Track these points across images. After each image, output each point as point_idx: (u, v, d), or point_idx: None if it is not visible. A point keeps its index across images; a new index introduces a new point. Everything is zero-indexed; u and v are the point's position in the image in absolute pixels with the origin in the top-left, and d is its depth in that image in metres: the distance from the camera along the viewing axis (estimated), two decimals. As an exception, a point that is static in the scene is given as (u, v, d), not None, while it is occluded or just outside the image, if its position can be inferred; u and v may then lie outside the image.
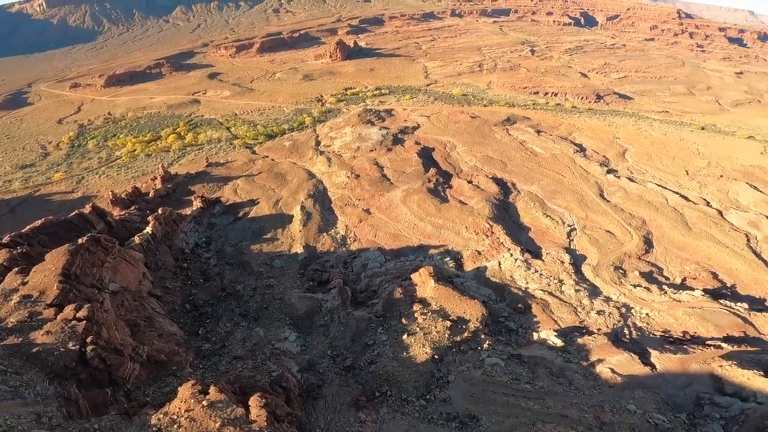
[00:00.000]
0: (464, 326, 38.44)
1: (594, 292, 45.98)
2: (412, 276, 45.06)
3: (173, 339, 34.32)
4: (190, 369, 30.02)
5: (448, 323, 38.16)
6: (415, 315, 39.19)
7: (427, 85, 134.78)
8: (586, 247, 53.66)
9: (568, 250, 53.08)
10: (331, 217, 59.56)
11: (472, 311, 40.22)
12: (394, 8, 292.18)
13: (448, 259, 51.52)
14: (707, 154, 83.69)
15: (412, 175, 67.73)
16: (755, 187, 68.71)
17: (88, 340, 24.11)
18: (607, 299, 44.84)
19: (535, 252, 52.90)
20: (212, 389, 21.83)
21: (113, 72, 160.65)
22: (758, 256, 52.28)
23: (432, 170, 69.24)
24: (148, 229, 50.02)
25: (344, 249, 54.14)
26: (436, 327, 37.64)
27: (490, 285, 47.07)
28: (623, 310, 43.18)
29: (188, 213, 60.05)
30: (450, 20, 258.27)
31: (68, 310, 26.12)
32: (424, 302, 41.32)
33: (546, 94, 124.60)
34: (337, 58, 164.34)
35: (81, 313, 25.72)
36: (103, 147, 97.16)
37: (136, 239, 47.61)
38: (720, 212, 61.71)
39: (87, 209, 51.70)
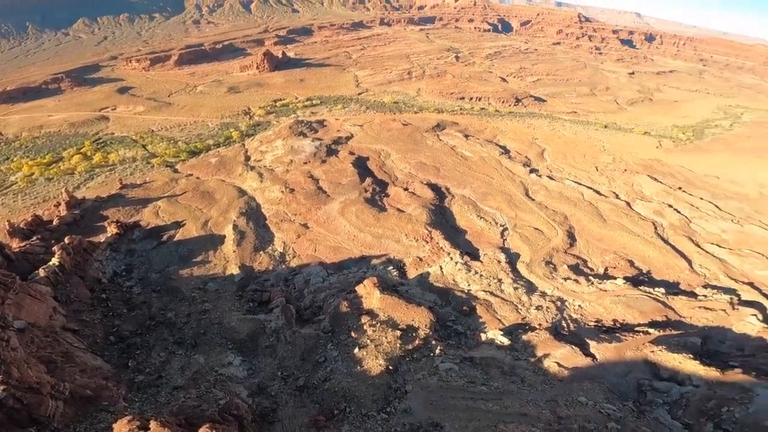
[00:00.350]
0: (414, 334, 38.32)
1: (530, 288, 48.13)
2: (356, 288, 44.27)
3: (99, 373, 30.82)
4: (125, 403, 26.95)
5: (398, 333, 37.79)
6: (364, 327, 38.35)
7: (359, 94, 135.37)
8: (519, 245, 56.20)
9: (503, 250, 55.22)
10: (266, 235, 56.83)
11: (420, 318, 40.26)
12: (323, 18, 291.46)
13: (391, 267, 51.30)
14: (611, 150, 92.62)
15: (349, 185, 66.99)
16: (655, 179, 77.08)
17: (-2, 380, 21.34)
18: (543, 294, 47.10)
19: (473, 254, 54.31)
20: (153, 424, 19.74)
21: (3, 88, 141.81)
22: (666, 242, 58.24)
23: (368, 180, 69.07)
24: (54, 261, 44.49)
25: (284, 266, 51.85)
26: (386, 338, 37.09)
27: (434, 290, 47.57)
28: (558, 303, 45.55)
29: (102, 240, 54.22)
30: (379, 29, 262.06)
31: (-30, 352, 22.62)
32: (371, 314, 40.67)
33: (471, 99, 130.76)
34: (265, 69, 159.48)
35: (-16, 354, 22.47)
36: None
37: (41, 272, 42.13)
38: (628, 203, 68.12)
39: (-24, 244, 44.81)
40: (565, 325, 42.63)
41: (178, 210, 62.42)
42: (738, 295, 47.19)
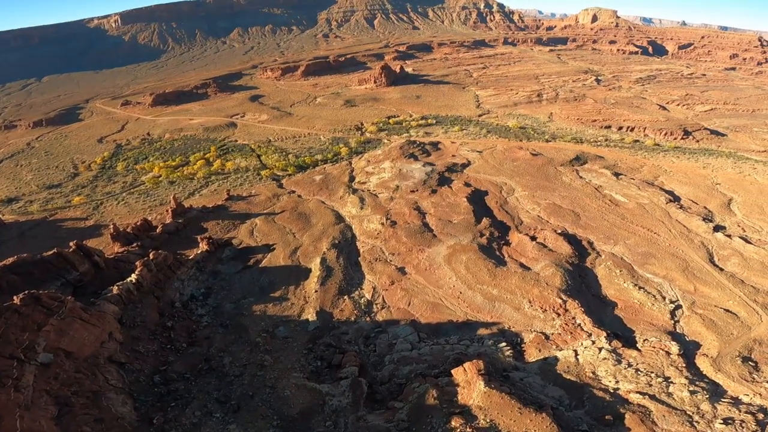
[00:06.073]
0: (524, 456, 25.54)
1: (716, 392, 33.18)
2: (453, 372, 32.90)
3: (116, 425, 25.69)
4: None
5: (502, 452, 25.34)
6: (453, 436, 26.59)
7: (479, 116, 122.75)
8: (699, 331, 40.18)
9: (674, 336, 39.76)
10: (356, 275, 48.55)
11: (536, 430, 27.29)
12: (443, 36, 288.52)
13: (504, 344, 39.08)
14: (842, 210, 65.30)
15: (461, 226, 55.44)
16: None
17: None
18: (736, 402, 31.96)
19: (626, 338, 39.71)
20: None
21: (162, 91, 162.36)
22: None
23: (485, 221, 56.60)
24: (132, 277, 41.61)
25: (368, 319, 42.86)
26: (482, 460, 24.94)
27: (561, 383, 34.30)
28: (760, 416, 29.90)
29: (191, 257, 51.32)
30: (502, 48, 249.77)
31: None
32: (467, 414, 28.98)
33: (620, 128, 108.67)
34: (382, 83, 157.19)
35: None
36: (131, 170, 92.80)
37: (114, 289, 39.13)
38: None
39: (71, 247, 44.11)
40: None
41: (273, 231, 58.30)
42: None
